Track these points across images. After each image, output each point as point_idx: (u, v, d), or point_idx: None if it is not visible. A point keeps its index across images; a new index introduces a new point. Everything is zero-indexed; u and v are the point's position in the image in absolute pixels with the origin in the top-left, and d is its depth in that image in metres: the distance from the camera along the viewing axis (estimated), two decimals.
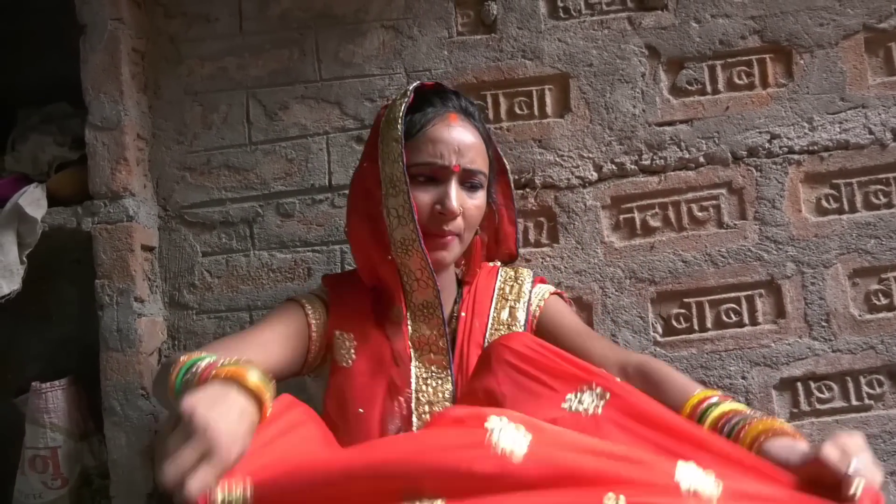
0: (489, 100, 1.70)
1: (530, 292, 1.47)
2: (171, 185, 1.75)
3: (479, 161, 1.36)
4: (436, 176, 1.34)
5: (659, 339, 1.63)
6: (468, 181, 1.35)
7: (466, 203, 1.35)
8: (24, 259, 1.71)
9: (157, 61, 1.77)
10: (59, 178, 1.75)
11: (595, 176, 1.66)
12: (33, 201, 1.72)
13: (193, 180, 1.74)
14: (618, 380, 1.13)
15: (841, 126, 1.63)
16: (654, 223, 1.66)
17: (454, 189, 1.33)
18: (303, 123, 1.74)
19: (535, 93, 1.69)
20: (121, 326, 1.66)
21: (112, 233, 1.67)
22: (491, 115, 1.68)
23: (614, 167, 1.67)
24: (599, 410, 1.08)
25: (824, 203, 1.64)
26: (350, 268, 1.69)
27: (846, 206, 1.64)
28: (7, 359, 1.89)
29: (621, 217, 1.67)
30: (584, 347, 1.34)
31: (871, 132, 1.63)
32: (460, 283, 1.48)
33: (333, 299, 1.40)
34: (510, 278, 1.50)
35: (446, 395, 1.32)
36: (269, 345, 1.27)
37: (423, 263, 1.32)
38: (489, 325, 1.41)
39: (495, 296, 1.47)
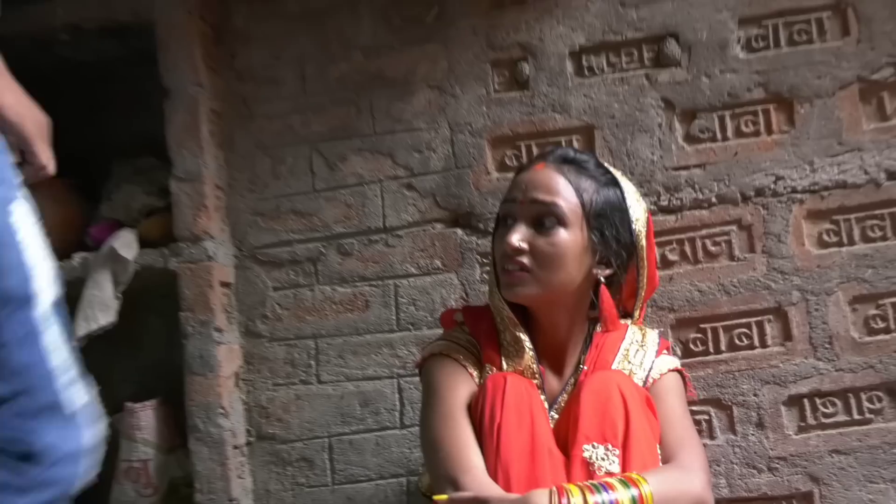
0: (523, 149, 1.89)
1: (653, 362, 1.49)
2: (245, 228, 1.98)
3: (556, 196, 1.39)
4: (510, 215, 1.43)
5: (679, 361, 1.81)
6: (539, 218, 1.40)
7: (536, 241, 1.39)
8: (119, 295, 1.90)
9: (232, 120, 2.00)
10: (148, 223, 1.97)
11: None
12: (126, 244, 1.91)
13: (264, 224, 1.96)
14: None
15: (839, 168, 1.80)
16: (672, 257, 1.84)
17: (518, 225, 1.40)
18: (359, 173, 1.96)
19: (563, 142, 1.88)
20: (202, 353, 1.87)
21: (194, 271, 1.89)
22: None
23: None
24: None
25: (825, 237, 1.80)
26: (402, 300, 1.91)
27: (845, 240, 1.79)
28: (104, 382, 2.07)
29: None
30: (663, 433, 1.40)
31: (866, 172, 1.79)
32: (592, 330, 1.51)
33: (480, 339, 1.49)
34: (636, 341, 1.51)
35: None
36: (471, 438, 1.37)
37: (501, 304, 1.44)
38: None
39: (619, 356, 1.49)
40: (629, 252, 1.46)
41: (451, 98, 1.94)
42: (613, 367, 1.47)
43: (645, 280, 1.51)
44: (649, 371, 1.48)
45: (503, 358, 1.47)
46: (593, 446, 1.31)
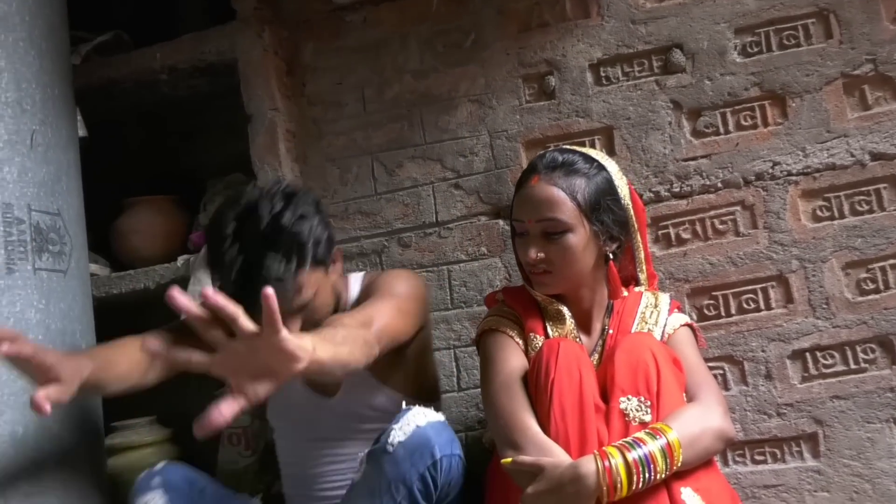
0: None
1: (667, 319, 1.72)
2: None
3: (555, 211, 1.62)
4: (522, 231, 1.68)
5: (688, 318, 2.05)
6: (546, 232, 1.63)
7: (549, 249, 1.63)
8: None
9: (305, 138, 2.33)
10: None
11: None
12: None
13: (336, 224, 2.25)
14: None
15: (828, 152, 2.02)
16: (685, 236, 2.09)
17: (532, 239, 1.65)
18: (414, 177, 2.27)
19: (587, 142, 2.15)
20: None
21: None
22: None
23: (652, 195, 2.11)
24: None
25: (819, 213, 2.02)
26: (454, 282, 2.22)
27: (836, 214, 2.01)
28: None
29: (659, 232, 2.11)
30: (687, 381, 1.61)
31: (852, 155, 2.01)
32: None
33: (520, 312, 1.73)
34: (651, 304, 1.75)
35: None
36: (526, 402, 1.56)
37: (534, 292, 1.71)
38: None
39: (637, 318, 1.72)
40: (625, 224, 1.72)
41: (490, 109, 2.24)
42: (633, 328, 1.70)
43: (639, 240, 1.77)
44: (664, 328, 1.71)
45: (548, 325, 1.71)
46: (628, 399, 1.49)
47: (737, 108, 2.10)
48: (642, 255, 1.80)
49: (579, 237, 1.64)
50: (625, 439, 1.44)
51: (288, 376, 1.15)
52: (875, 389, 1.97)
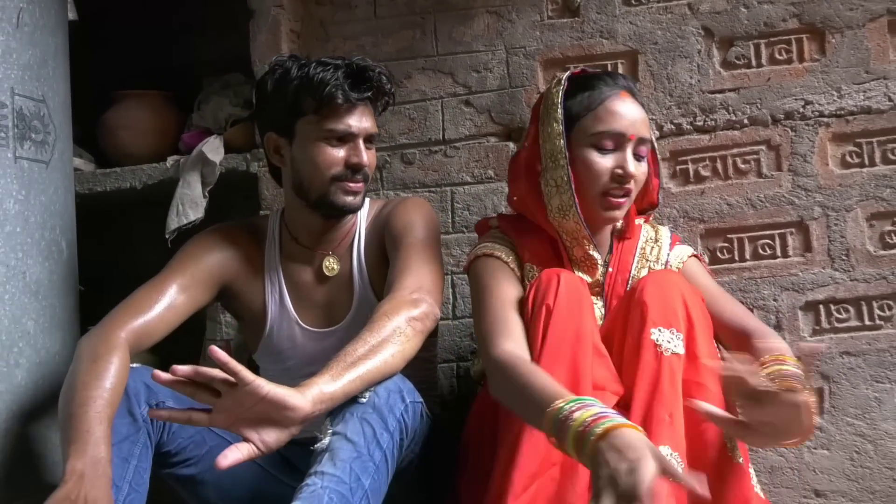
0: None
1: (668, 254, 1.66)
2: None
3: (645, 132, 1.56)
4: (615, 144, 1.54)
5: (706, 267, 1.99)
6: (637, 150, 1.55)
7: (638, 169, 1.55)
8: (207, 194, 2.12)
9: (310, 40, 2.20)
10: (233, 131, 2.17)
11: (657, 134, 2.00)
12: (213, 149, 2.12)
13: None
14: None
15: (865, 94, 1.94)
16: (704, 173, 2.00)
17: (630, 155, 1.54)
18: (422, 90, 2.15)
19: (609, 66, 2.05)
20: None
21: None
22: None
23: (673, 127, 2.02)
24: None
25: (848, 158, 1.94)
26: (458, 205, 2.12)
27: (866, 161, 1.94)
28: None
29: (678, 168, 2.01)
30: (718, 309, 1.56)
31: (890, 99, 1.92)
32: (613, 237, 1.68)
33: (517, 241, 1.64)
34: (650, 239, 1.69)
35: None
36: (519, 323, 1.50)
37: (578, 226, 1.56)
38: (629, 283, 1.63)
39: (637, 255, 1.67)
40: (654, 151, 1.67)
41: (508, 23, 2.11)
42: (633, 266, 1.65)
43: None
44: (667, 262, 1.66)
45: (574, 270, 1.61)
46: (659, 330, 1.44)
47: (772, 39, 2.00)
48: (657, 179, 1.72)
49: (647, 165, 1.60)
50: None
51: (292, 425, 1.28)
52: (888, 348, 1.92)
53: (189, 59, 2.37)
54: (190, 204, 2.13)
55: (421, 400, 1.51)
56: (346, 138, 1.62)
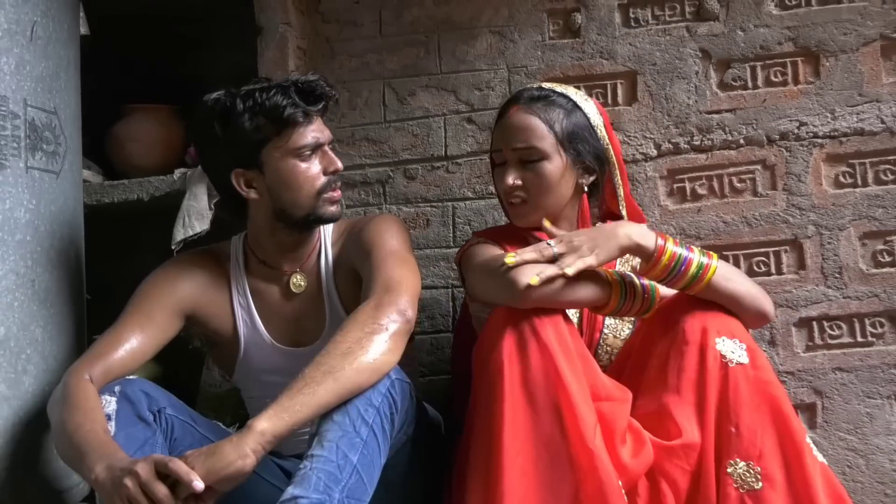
0: None
1: None
2: None
3: (532, 138, 1.64)
4: (500, 161, 1.69)
5: None
6: (523, 160, 1.65)
7: (526, 176, 1.65)
8: (213, 206, 2.12)
9: (316, 57, 2.24)
10: None
11: (655, 153, 2.05)
12: None
13: (341, 149, 2.19)
14: None
15: (858, 117, 1.97)
16: (701, 191, 2.04)
17: (509, 168, 1.66)
18: (426, 107, 2.19)
19: (609, 85, 2.09)
20: None
21: None
22: None
23: (671, 146, 2.05)
24: None
25: (841, 178, 1.98)
26: (459, 220, 2.15)
27: (859, 182, 1.97)
28: None
29: (675, 186, 2.05)
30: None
31: (882, 122, 1.96)
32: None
33: (500, 244, 1.70)
34: None
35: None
36: None
37: (515, 226, 1.72)
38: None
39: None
40: (602, 158, 1.71)
41: (511, 43, 2.16)
42: (617, 265, 1.72)
43: (618, 177, 1.74)
44: None
45: None
46: (723, 341, 1.50)
47: (768, 62, 2.04)
48: (622, 191, 1.76)
49: (555, 165, 1.66)
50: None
51: (246, 473, 1.34)
52: (880, 364, 1.95)
53: (197, 73, 2.40)
54: (196, 216, 2.14)
55: (409, 380, 1.52)
56: (315, 150, 1.67)
